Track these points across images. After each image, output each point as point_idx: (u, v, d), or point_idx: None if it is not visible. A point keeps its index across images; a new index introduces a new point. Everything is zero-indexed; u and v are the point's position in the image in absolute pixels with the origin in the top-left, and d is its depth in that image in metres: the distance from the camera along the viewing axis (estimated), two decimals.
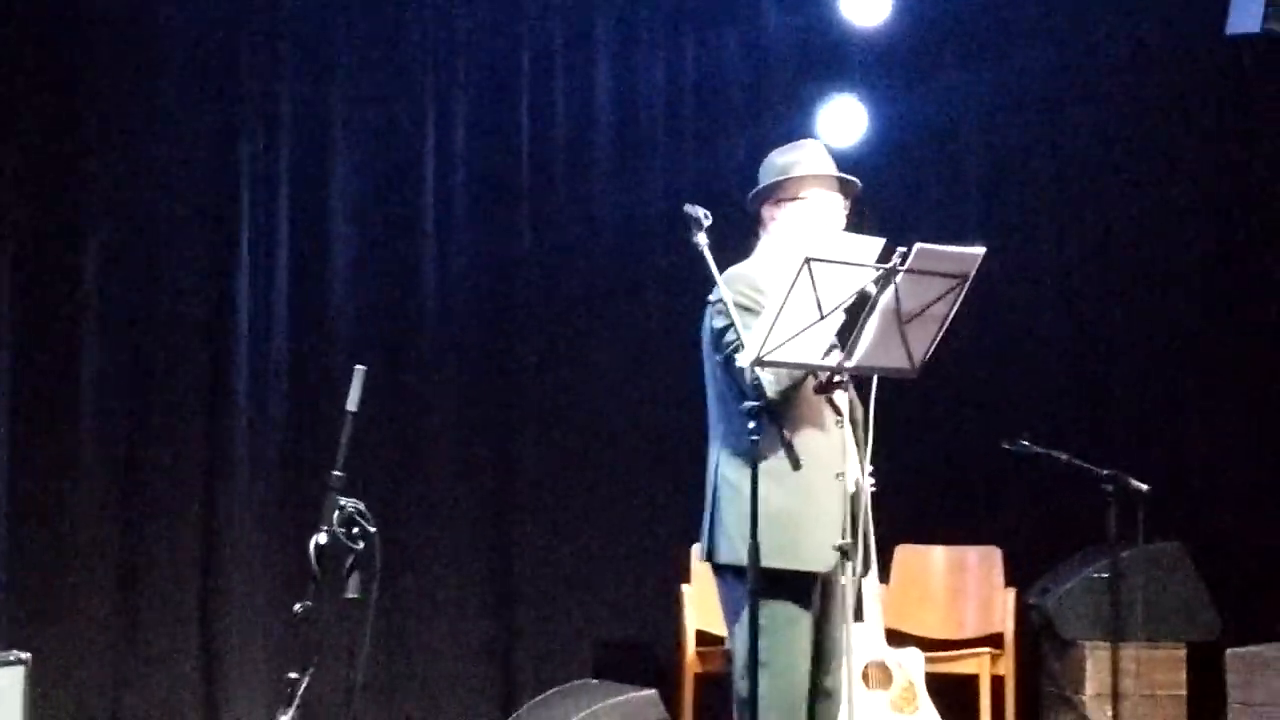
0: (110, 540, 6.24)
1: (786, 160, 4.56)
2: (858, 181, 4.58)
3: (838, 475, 4.21)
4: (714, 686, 6.47)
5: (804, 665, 4.26)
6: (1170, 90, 7.48)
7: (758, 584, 4.02)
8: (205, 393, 6.46)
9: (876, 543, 5.72)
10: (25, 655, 5.04)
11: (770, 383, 4.15)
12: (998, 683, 6.37)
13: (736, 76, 7.46)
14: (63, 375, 6.20)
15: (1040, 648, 6.80)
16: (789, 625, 4.24)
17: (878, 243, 4.16)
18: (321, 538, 3.51)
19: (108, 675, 6.19)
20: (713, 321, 4.38)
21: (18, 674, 5.00)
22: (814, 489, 4.22)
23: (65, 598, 6.09)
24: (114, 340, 6.32)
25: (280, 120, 6.67)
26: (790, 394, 4.20)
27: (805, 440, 4.19)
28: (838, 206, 4.52)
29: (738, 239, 6.99)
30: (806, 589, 4.27)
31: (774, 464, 4.12)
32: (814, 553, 4.21)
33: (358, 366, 3.68)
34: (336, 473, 3.53)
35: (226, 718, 6.32)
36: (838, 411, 4.30)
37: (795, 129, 7.34)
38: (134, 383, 6.36)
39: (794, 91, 7.44)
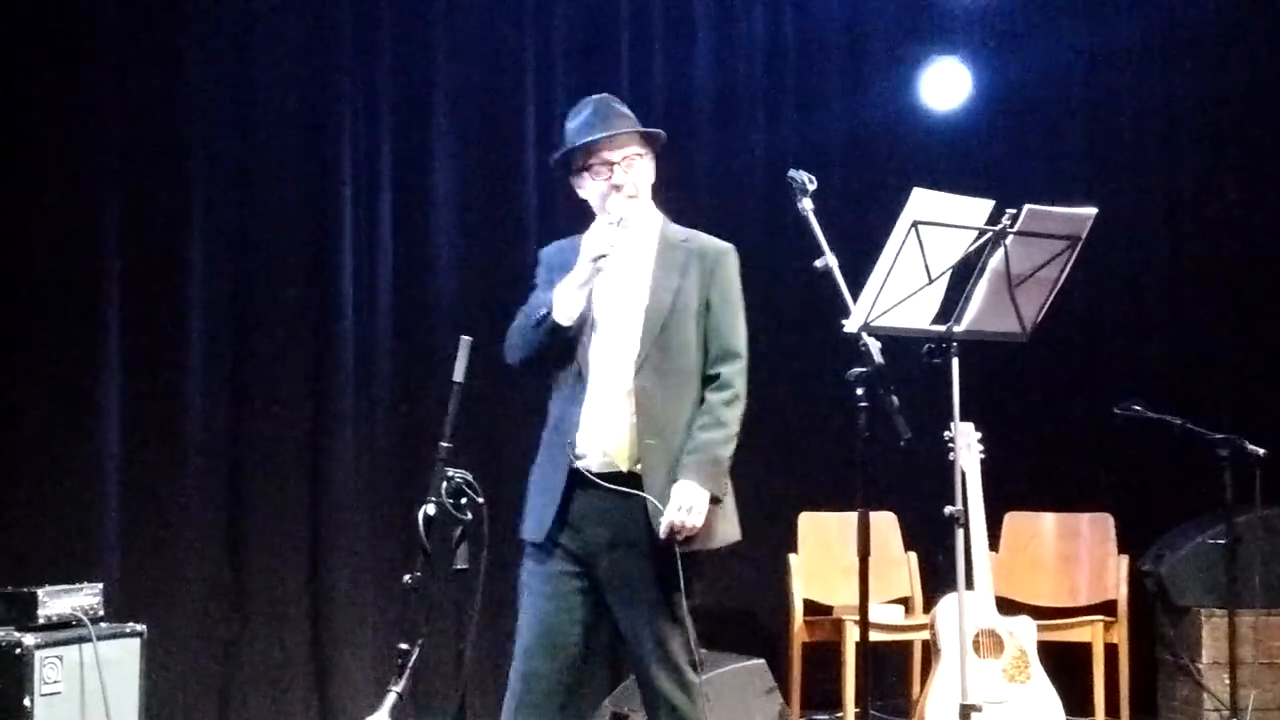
0: (220, 514, 6.30)
1: (573, 125, 4.25)
2: (658, 132, 4.27)
3: (568, 444, 4.03)
4: (822, 656, 6.45)
5: (529, 639, 4.01)
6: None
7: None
8: (311, 368, 6.50)
9: (985, 510, 5.73)
10: (141, 627, 5.12)
11: (511, 347, 4.14)
12: (1111, 651, 6.29)
13: (837, 39, 7.39)
14: (171, 354, 6.26)
15: (1154, 615, 6.71)
16: (523, 593, 4.08)
17: (986, 204, 4.10)
18: (430, 509, 3.51)
19: (219, 646, 6.26)
20: None
21: (134, 645, 5.08)
22: (544, 456, 4.12)
23: (178, 571, 6.17)
24: (221, 319, 6.36)
25: (381, 97, 6.68)
26: (531, 364, 4.11)
27: (554, 408, 4.12)
28: (625, 168, 4.16)
29: (846, 203, 7.01)
30: (542, 560, 4.05)
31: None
32: (533, 520, 4.07)
33: (463, 338, 3.68)
34: (444, 444, 3.53)
35: (336, 687, 6.38)
36: (583, 378, 4.10)
37: (897, 92, 7.32)
38: (241, 361, 6.40)
39: (895, 54, 7.37)
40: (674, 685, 4.00)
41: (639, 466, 4.01)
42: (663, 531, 3.95)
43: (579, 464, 4.00)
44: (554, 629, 4.00)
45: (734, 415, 4.15)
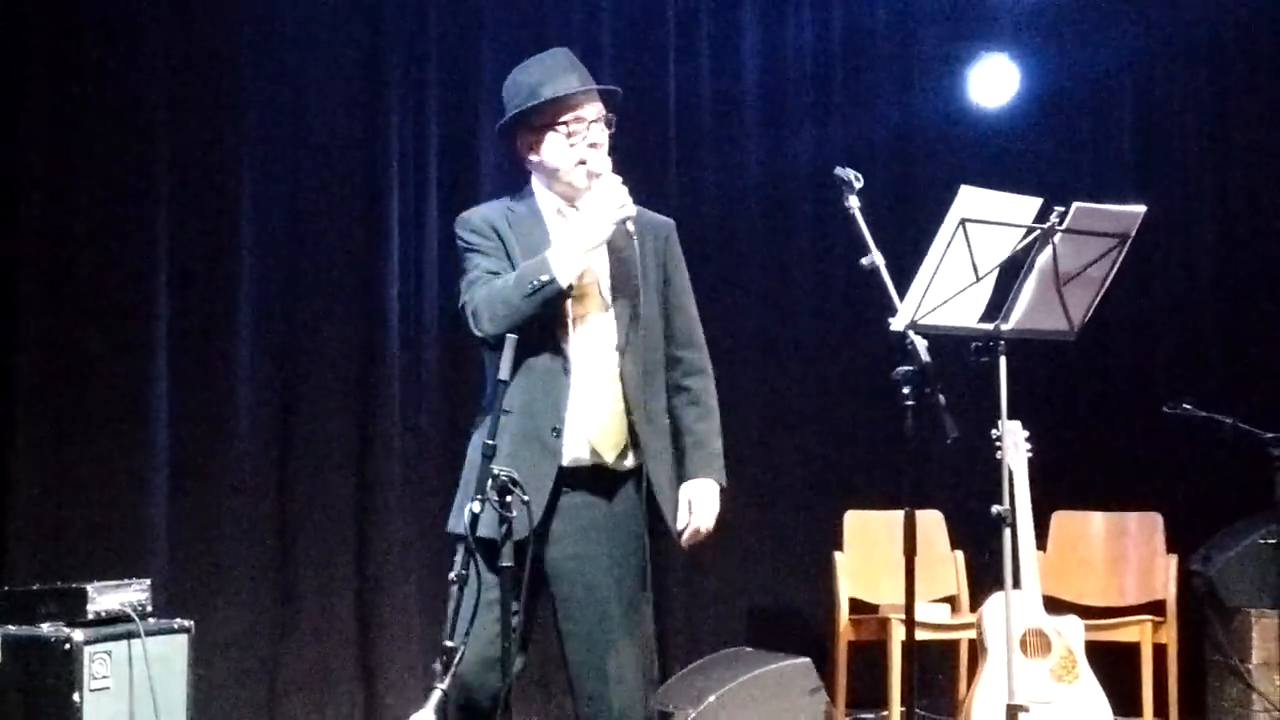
0: (267, 510, 6.31)
1: (535, 78, 3.89)
2: (618, 90, 4.02)
3: (553, 430, 3.74)
4: (867, 654, 6.43)
5: (478, 652, 3.63)
6: None
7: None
8: (359, 367, 6.50)
9: (1033, 509, 5.70)
10: (189, 623, 5.13)
11: (493, 316, 3.72)
12: (1160, 651, 6.24)
13: (885, 36, 7.37)
14: (219, 352, 6.27)
15: (1204, 616, 6.65)
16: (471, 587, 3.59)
17: (1034, 202, 4.08)
18: (475, 506, 3.50)
19: (266, 642, 6.28)
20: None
21: (182, 641, 5.09)
22: (513, 444, 3.67)
23: (225, 567, 6.19)
24: (269, 318, 6.36)
25: (428, 98, 6.68)
26: (508, 333, 3.61)
27: (517, 392, 3.66)
28: (601, 127, 3.91)
29: (893, 201, 7.00)
30: (493, 561, 3.55)
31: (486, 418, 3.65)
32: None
33: (509, 336, 3.65)
34: (489, 441, 3.52)
35: (382, 685, 6.40)
36: (565, 359, 3.80)
37: (945, 89, 7.30)
38: (289, 359, 6.40)
39: (943, 51, 7.35)
40: (631, 698, 3.77)
41: (629, 459, 3.81)
42: (687, 539, 3.87)
43: (568, 458, 3.76)
44: (498, 643, 3.59)
45: (716, 400, 4.02)
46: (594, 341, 3.82)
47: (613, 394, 3.80)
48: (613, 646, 3.78)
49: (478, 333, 3.74)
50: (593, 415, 3.78)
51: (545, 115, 3.85)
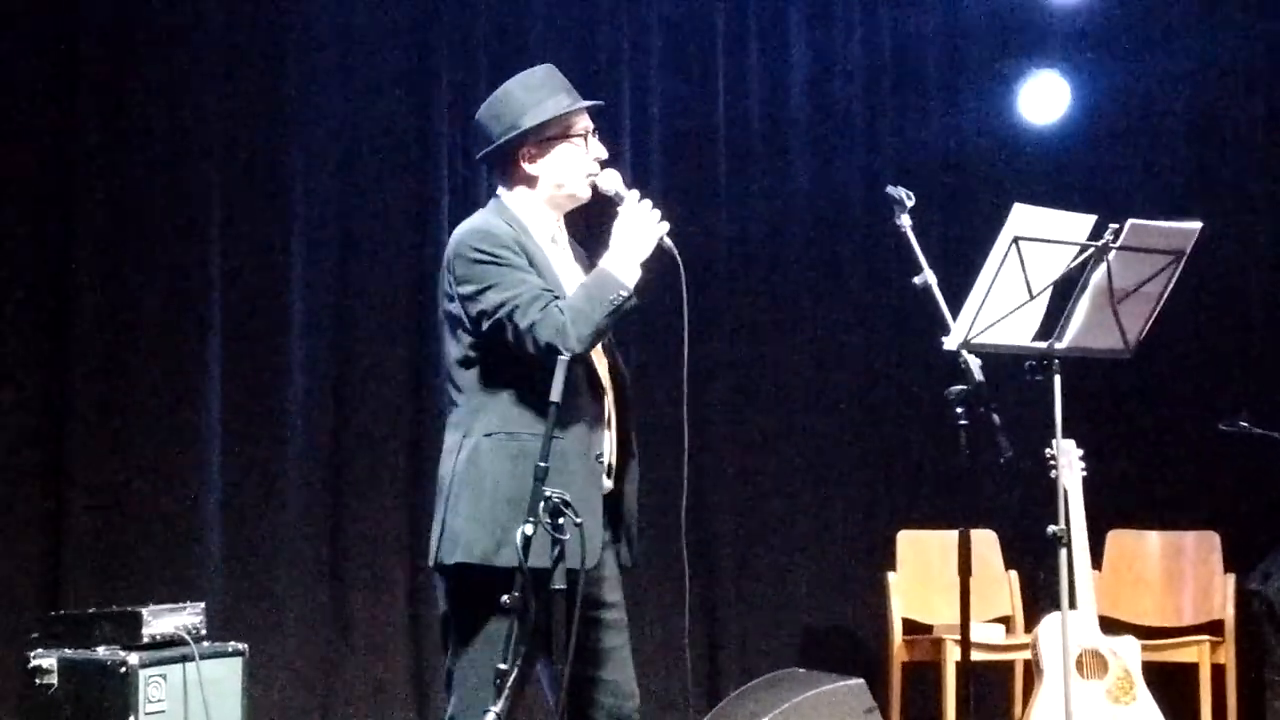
0: (321, 534, 6.33)
1: (540, 93, 3.75)
2: (601, 103, 3.91)
3: (597, 457, 3.65)
4: (922, 675, 6.39)
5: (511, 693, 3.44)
6: None
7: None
8: (412, 390, 6.51)
9: (1088, 528, 5.65)
10: (243, 646, 5.15)
11: (578, 336, 3.51)
12: (1218, 672, 6.18)
13: (935, 53, 7.35)
14: (271, 377, 6.30)
15: (1263, 635, 6.58)
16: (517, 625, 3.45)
17: (1088, 220, 4.06)
18: (528, 528, 3.50)
19: (320, 665, 6.30)
20: (457, 289, 3.66)
21: (237, 664, 5.10)
22: (569, 472, 3.52)
23: (279, 590, 6.21)
24: (321, 341, 6.37)
25: (478, 103, 6.68)
26: (594, 344, 3.57)
27: (557, 413, 3.44)
28: (597, 141, 3.82)
29: (944, 219, 6.96)
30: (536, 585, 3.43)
31: (530, 444, 3.52)
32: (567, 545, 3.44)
33: (560, 357, 3.65)
34: (540, 464, 3.52)
35: (436, 707, 6.40)
36: (599, 384, 3.71)
37: (996, 106, 7.27)
38: (342, 383, 6.41)
39: (994, 67, 7.33)
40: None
41: (613, 484, 3.75)
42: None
43: (607, 484, 3.71)
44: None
45: None
46: (602, 364, 3.75)
47: (613, 419, 3.75)
48: (630, 662, 3.81)
49: (566, 352, 3.45)
50: (607, 440, 3.73)
51: (556, 127, 3.74)
